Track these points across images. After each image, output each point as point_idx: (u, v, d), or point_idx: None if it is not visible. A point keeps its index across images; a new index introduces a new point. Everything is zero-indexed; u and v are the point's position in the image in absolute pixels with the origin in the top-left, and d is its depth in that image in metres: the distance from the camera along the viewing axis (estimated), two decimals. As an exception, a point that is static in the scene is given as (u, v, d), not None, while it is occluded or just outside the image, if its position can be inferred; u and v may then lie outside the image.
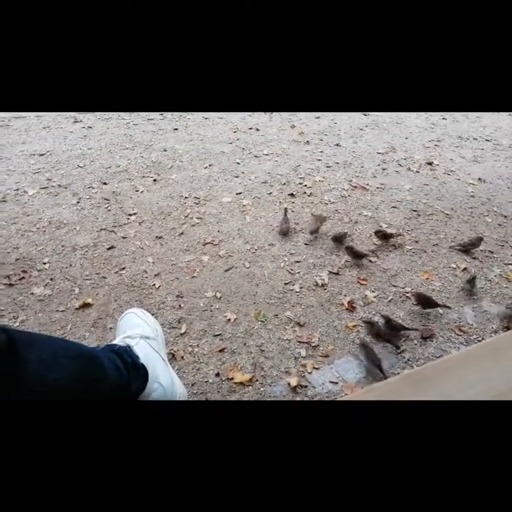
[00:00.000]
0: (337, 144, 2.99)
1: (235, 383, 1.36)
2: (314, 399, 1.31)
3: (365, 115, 3.54)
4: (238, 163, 2.67)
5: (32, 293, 1.65)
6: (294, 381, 1.36)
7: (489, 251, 2.03)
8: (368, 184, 2.52)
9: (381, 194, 2.44)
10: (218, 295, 1.70)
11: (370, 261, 1.90)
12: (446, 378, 0.75)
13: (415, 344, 1.52)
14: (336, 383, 1.37)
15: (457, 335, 1.57)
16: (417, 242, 2.07)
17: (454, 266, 1.91)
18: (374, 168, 2.70)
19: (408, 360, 1.46)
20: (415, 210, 2.31)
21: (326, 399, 1.31)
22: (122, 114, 3.19)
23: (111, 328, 1.51)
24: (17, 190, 2.26)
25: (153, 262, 1.84)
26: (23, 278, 1.72)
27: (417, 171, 2.71)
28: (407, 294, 1.74)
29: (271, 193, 2.37)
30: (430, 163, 2.80)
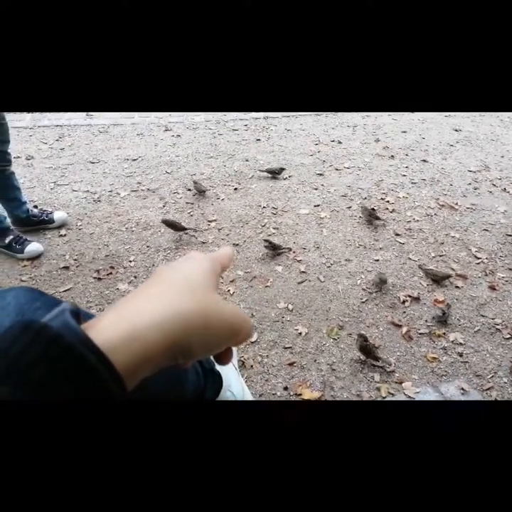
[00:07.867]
0: (424, 160, 2.84)
1: (303, 400, 1.33)
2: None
3: (456, 130, 3.34)
4: (318, 175, 2.65)
5: (117, 288, 1.76)
6: (365, 406, 1.29)
7: None
8: (456, 203, 2.36)
9: (471, 215, 2.26)
10: (290, 307, 1.69)
11: (457, 287, 1.77)
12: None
13: (505, 382, 1.38)
14: (412, 414, 1.28)
15: (557, 378, 1.39)
16: (511, 269, 1.89)
17: (556, 300, 1.71)
18: (464, 187, 2.52)
19: (495, 398, 1.33)
20: (510, 235, 2.11)
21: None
22: (209, 124, 3.33)
23: (186, 329, 1.56)
24: (111, 191, 2.45)
25: (229, 269, 1.88)
26: (111, 273, 1.85)
27: (514, 193, 2.48)
28: (498, 326, 1.59)
29: (350, 207, 2.31)
30: (530, 185, 2.55)
